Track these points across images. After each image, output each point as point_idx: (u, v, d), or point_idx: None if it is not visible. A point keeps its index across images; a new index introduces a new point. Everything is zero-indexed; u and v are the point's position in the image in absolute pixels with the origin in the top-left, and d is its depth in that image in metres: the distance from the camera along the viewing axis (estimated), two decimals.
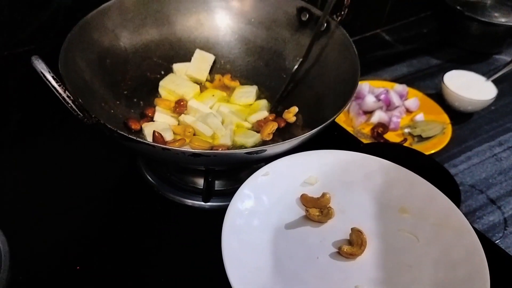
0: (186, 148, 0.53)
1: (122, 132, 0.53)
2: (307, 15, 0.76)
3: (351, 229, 0.57)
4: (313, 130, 0.57)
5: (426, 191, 0.61)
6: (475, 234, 0.55)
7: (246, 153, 0.55)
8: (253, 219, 0.57)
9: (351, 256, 0.55)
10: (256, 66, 0.81)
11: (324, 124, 0.57)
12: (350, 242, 0.57)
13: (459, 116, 0.98)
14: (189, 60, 0.79)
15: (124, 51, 0.74)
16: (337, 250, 0.56)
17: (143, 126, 0.70)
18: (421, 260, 0.55)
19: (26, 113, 0.77)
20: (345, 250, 0.55)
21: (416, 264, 0.55)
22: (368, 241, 0.56)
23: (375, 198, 0.62)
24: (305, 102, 0.74)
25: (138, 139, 0.53)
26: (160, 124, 0.71)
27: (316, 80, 0.75)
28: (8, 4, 0.66)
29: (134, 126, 0.70)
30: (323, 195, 0.61)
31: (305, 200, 0.61)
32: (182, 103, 0.74)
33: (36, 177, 0.72)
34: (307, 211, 0.60)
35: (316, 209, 0.60)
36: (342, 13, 0.73)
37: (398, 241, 0.58)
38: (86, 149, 0.77)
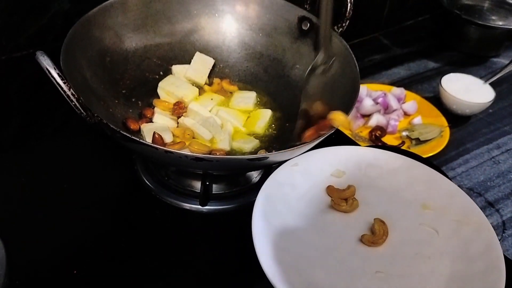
0: (189, 152, 0.53)
1: (125, 133, 0.53)
2: (308, 25, 0.76)
3: (374, 219, 0.59)
4: (315, 140, 0.57)
5: (447, 188, 0.63)
6: (493, 230, 0.56)
7: (248, 159, 0.55)
8: (282, 206, 0.59)
9: (372, 244, 0.57)
10: (255, 71, 0.81)
11: (325, 135, 0.57)
12: (372, 232, 0.59)
13: (457, 119, 0.99)
14: (188, 62, 0.79)
15: (124, 50, 0.73)
16: (359, 239, 0.58)
17: (142, 126, 0.70)
18: (440, 253, 0.57)
19: (24, 117, 0.77)
20: (366, 238, 0.58)
21: (434, 256, 0.57)
22: (390, 232, 0.59)
23: (398, 193, 0.64)
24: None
25: (141, 140, 0.53)
26: (159, 125, 0.70)
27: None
28: (6, 8, 0.66)
29: (133, 126, 0.69)
30: (349, 187, 0.64)
31: (331, 191, 0.64)
32: (181, 105, 0.74)
33: (34, 181, 0.71)
34: (333, 201, 0.62)
35: (341, 200, 0.62)
36: (344, 24, 0.73)
37: (419, 234, 0.60)
38: (84, 154, 0.77)
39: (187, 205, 0.69)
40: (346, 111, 0.63)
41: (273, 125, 0.76)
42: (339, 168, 0.66)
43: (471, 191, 0.83)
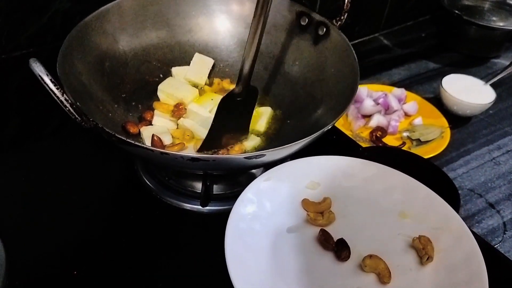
0: (185, 153, 0.53)
1: (120, 136, 0.53)
2: (307, 20, 0.76)
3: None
4: (313, 135, 0.57)
5: (425, 196, 0.62)
6: (473, 238, 0.55)
7: (245, 157, 0.55)
8: (256, 223, 0.58)
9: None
10: (255, 70, 0.79)
11: (323, 129, 0.57)
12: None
13: (457, 120, 0.99)
14: (188, 63, 0.79)
15: (123, 54, 0.73)
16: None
17: (141, 129, 0.70)
18: (421, 263, 0.56)
19: (24, 117, 0.77)
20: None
21: (416, 267, 0.56)
22: (369, 244, 0.58)
23: (376, 203, 0.63)
24: (303, 107, 0.73)
25: (136, 143, 0.53)
26: (159, 128, 0.70)
27: (315, 84, 0.74)
28: (6, 7, 0.66)
29: (133, 129, 0.69)
30: (324, 199, 0.62)
31: (306, 204, 0.62)
32: (181, 106, 0.74)
33: (33, 181, 0.71)
34: (308, 215, 0.60)
35: (317, 213, 0.60)
36: (342, 18, 0.73)
37: (398, 245, 0.59)
38: (84, 154, 0.77)
39: (188, 206, 0.69)
40: (347, 102, 0.63)
41: (273, 123, 0.75)
42: (314, 179, 0.64)
43: (472, 192, 0.83)
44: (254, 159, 0.55)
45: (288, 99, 0.77)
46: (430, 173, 0.73)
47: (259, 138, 0.72)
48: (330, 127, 0.58)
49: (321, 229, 0.58)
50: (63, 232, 0.65)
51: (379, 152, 0.78)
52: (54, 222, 0.66)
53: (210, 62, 0.79)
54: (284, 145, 0.56)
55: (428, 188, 0.62)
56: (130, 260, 0.62)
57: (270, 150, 0.54)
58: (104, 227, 0.67)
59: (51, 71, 0.54)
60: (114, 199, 0.71)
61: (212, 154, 0.67)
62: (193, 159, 0.53)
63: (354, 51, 0.70)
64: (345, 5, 0.72)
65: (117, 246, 0.64)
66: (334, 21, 0.74)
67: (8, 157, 0.75)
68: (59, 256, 0.62)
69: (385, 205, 0.62)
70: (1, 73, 0.70)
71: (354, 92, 0.63)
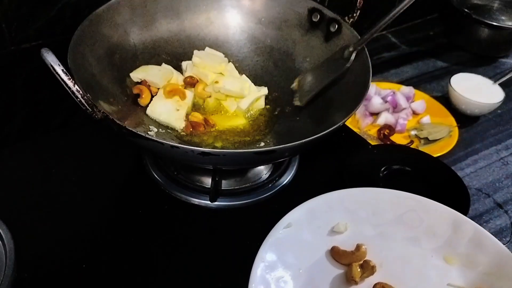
0: (195, 147, 0.53)
1: (130, 128, 0.53)
2: (318, 16, 0.75)
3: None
4: (323, 133, 0.56)
5: (471, 233, 0.54)
6: None
7: (255, 153, 0.54)
8: (280, 284, 0.50)
9: None
10: (265, 66, 0.80)
11: (334, 127, 0.57)
12: None
13: (465, 119, 0.98)
14: None
15: (133, 47, 0.73)
16: None
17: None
18: None
19: (31, 109, 0.76)
20: None
21: None
22: None
23: (415, 244, 0.55)
24: (314, 103, 0.73)
25: (146, 135, 0.53)
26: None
27: None
28: None
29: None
30: (358, 247, 0.53)
31: (337, 254, 0.54)
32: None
33: (41, 175, 0.71)
34: (349, 274, 0.51)
35: (357, 266, 0.51)
36: (354, 15, 0.72)
37: None
38: (92, 147, 0.77)
39: (196, 201, 0.69)
40: (358, 99, 0.62)
41: (283, 119, 0.75)
42: (340, 220, 0.56)
43: (480, 192, 0.83)
44: (264, 155, 0.55)
45: None
46: (439, 172, 0.73)
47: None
48: (341, 125, 0.58)
49: (379, 284, 0.50)
50: (71, 225, 0.65)
51: (389, 150, 0.78)
52: (62, 215, 0.66)
53: (220, 56, 0.78)
54: (294, 141, 0.55)
55: (473, 223, 0.55)
56: (138, 254, 0.62)
57: (280, 146, 0.54)
58: (112, 221, 0.66)
59: (60, 62, 0.54)
60: (123, 192, 0.71)
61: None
62: (203, 153, 0.53)
63: (366, 49, 0.70)
64: (358, 2, 0.72)
65: (125, 240, 0.64)
66: (346, 18, 0.73)
67: (15, 149, 0.75)
68: (67, 249, 0.62)
69: (427, 246, 0.55)
70: (9, 64, 0.70)
71: (366, 90, 0.63)
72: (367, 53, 0.69)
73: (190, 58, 0.78)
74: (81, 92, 0.51)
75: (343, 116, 0.60)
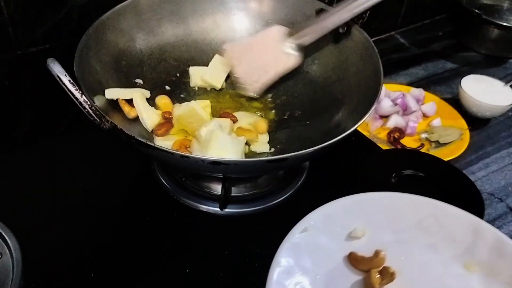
0: (206, 156, 0.52)
1: (139, 139, 0.52)
2: None
3: None
4: (335, 139, 0.55)
5: (492, 240, 0.53)
6: None
7: (267, 161, 0.53)
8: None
9: None
10: None
11: (345, 133, 0.56)
12: None
13: (476, 122, 0.96)
14: (205, 63, 0.77)
15: (139, 53, 0.73)
16: None
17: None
18: None
19: (39, 113, 0.76)
20: None
21: None
22: None
23: (434, 250, 0.54)
24: (324, 107, 0.72)
25: (156, 146, 0.52)
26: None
27: (335, 84, 0.73)
28: (23, 2, 0.65)
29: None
30: (377, 253, 0.53)
31: (355, 260, 0.53)
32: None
33: (49, 180, 0.71)
34: (368, 280, 0.50)
35: (375, 273, 0.51)
36: (364, 15, 0.71)
37: None
38: (99, 151, 0.76)
39: (205, 207, 0.68)
40: (370, 103, 0.61)
41: (293, 124, 0.73)
42: (358, 225, 0.55)
43: (492, 196, 0.81)
44: (275, 163, 0.54)
45: (307, 99, 0.75)
46: (452, 178, 0.72)
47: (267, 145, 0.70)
48: (353, 130, 0.57)
49: None
50: (79, 233, 0.64)
51: (401, 155, 0.76)
52: (70, 222, 0.65)
53: (229, 65, 0.77)
54: (306, 147, 0.54)
55: (495, 230, 0.54)
56: (147, 262, 0.61)
57: (292, 154, 0.53)
58: (120, 228, 0.66)
59: (67, 67, 0.54)
60: (131, 199, 0.70)
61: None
62: (214, 162, 0.52)
63: (376, 50, 0.69)
64: None
65: (134, 248, 0.63)
66: (355, 18, 0.72)
67: (22, 154, 0.75)
68: (75, 257, 0.61)
69: (447, 253, 0.54)
70: (16, 68, 0.70)
71: (378, 94, 0.62)
72: (378, 54, 0.68)
73: (197, 63, 0.77)
74: (88, 103, 0.51)
75: (355, 121, 0.59)
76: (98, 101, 0.60)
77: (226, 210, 0.67)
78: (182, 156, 0.52)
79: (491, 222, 0.76)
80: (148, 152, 0.55)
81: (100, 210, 0.67)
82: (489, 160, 0.88)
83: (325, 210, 0.55)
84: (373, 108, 0.59)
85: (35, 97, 0.74)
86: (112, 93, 0.65)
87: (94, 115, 0.52)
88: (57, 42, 0.71)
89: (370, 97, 0.63)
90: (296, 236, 0.52)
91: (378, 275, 0.51)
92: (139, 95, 0.67)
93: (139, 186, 0.72)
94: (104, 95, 0.63)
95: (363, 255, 0.53)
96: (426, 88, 1.02)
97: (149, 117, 0.67)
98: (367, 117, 0.59)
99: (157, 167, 0.72)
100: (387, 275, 0.50)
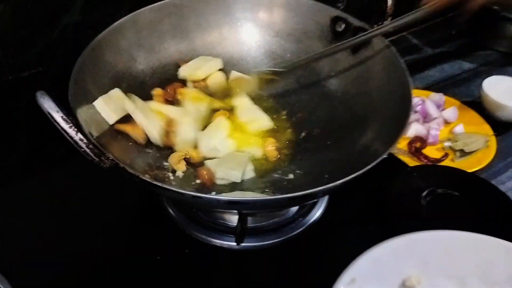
0: (220, 196, 0.46)
1: (144, 178, 0.47)
2: (343, 26, 0.69)
3: None
4: (365, 168, 0.49)
5: None
6: None
7: (289, 198, 0.47)
8: None
9: None
10: (285, 83, 0.74)
11: (380, 158, 0.49)
12: None
13: (501, 126, 0.90)
14: None
15: (140, 73, 0.68)
16: None
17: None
18: None
19: (34, 141, 0.72)
20: None
21: None
22: None
23: None
24: (345, 125, 0.66)
25: (164, 186, 0.47)
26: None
27: (356, 99, 0.67)
28: (12, 22, 0.61)
29: None
30: None
31: None
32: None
33: (46, 211, 0.68)
34: None
35: None
36: (385, 22, 0.65)
37: None
38: (101, 181, 0.71)
39: (219, 242, 0.63)
40: (399, 125, 0.55)
41: (312, 143, 0.67)
42: (412, 272, 0.49)
43: None
44: (298, 200, 0.48)
45: (326, 116, 0.69)
46: (488, 196, 0.66)
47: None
48: (385, 156, 0.50)
49: None
50: (77, 269, 0.60)
51: (429, 171, 0.70)
52: (68, 258, 0.61)
53: (217, 62, 0.72)
54: (331, 173, 0.49)
55: None
56: None
57: (320, 188, 0.46)
58: (127, 270, 0.61)
59: (62, 93, 0.49)
60: (137, 235, 0.66)
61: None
62: (230, 202, 0.46)
63: (402, 60, 0.63)
64: (388, 7, 0.65)
65: (139, 284, 0.59)
66: (375, 26, 0.66)
67: (17, 185, 0.70)
68: None
69: None
70: (9, 95, 0.66)
71: (408, 112, 0.56)
72: (404, 66, 0.62)
73: None
74: (85, 141, 0.45)
75: (385, 142, 0.53)
76: (97, 131, 0.55)
77: (243, 244, 0.62)
78: (194, 197, 0.46)
79: None
80: (156, 191, 0.49)
81: (103, 250, 0.63)
82: None
83: (372, 256, 0.49)
84: (405, 130, 0.53)
85: (29, 125, 0.69)
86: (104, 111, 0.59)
87: (92, 155, 0.47)
88: (51, 64, 0.67)
89: (400, 113, 0.57)
90: None
91: None
92: (134, 106, 0.62)
93: (146, 220, 0.68)
94: (103, 124, 0.58)
95: None
96: (444, 91, 0.96)
97: (154, 127, 0.62)
98: (398, 141, 0.52)
99: (166, 198, 0.67)
100: None
